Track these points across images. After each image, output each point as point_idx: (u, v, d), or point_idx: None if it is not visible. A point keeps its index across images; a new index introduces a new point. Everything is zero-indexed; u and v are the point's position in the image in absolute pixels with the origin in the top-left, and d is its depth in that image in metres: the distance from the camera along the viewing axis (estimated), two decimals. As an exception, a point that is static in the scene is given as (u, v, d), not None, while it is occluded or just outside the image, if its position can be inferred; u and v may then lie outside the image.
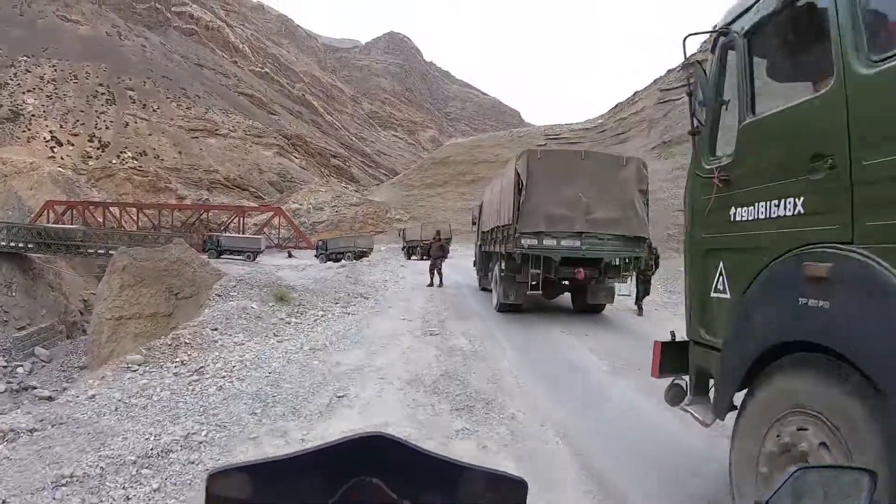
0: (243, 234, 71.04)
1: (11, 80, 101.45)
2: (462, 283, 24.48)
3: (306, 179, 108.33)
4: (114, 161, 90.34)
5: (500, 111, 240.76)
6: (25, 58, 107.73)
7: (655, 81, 67.00)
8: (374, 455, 0.87)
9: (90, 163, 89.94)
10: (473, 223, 24.88)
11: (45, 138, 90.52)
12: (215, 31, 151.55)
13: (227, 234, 64.16)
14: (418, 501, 0.88)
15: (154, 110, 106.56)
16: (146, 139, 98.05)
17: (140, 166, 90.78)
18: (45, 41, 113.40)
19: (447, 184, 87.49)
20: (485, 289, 21.09)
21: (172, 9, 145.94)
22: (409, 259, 50.46)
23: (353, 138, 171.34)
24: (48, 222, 69.35)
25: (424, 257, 48.74)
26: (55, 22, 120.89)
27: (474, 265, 24.55)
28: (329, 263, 47.32)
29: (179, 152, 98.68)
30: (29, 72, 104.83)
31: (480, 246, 22.42)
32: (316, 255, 57.48)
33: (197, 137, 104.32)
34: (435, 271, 23.33)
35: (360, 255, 53.62)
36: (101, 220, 74.65)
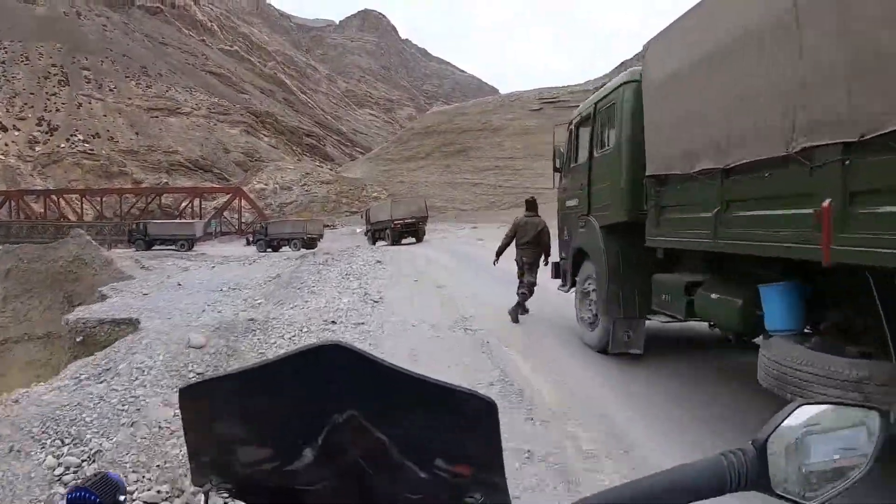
0: (201, 219, 62.29)
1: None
2: (540, 315, 11.11)
3: (276, 159, 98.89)
4: (62, 145, 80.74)
5: (479, 88, 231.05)
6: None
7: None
8: (335, 367, 0.84)
9: (37, 148, 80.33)
10: (557, 169, 10.70)
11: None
12: (181, 9, 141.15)
13: (155, 220, 55.28)
14: (384, 418, 0.86)
15: (110, 90, 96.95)
16: (100, 121, 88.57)
17: (91, 150, 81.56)
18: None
19: (429, 156, 77.97)
20: (631, 354, 7.94)
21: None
22: (375, 244, 41.37)
23: (329, 117, 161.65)
24: None
25: (396, 243, 40.02)
26: (10, 2, 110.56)
27: (559, 275, 10.62)
28: (273, 255, 38.79)
29: (136, 133, 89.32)
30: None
31: (633, 228, 7.49)
32: (252, 242, 48.84)
33: (156, 117, 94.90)
34: (525, 287, 10.90)
35: (311, 243, 44.99)
36: (43, 210, 65.51)
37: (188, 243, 47.94)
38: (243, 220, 63.51)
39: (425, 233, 41.90)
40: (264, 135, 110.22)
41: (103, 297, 18.81)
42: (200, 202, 66.52)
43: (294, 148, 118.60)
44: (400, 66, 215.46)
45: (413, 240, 40.74)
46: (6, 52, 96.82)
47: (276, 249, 45.06)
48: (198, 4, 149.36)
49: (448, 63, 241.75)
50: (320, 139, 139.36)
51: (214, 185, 76.10)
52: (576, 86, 75.77)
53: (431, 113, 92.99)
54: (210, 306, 14.36)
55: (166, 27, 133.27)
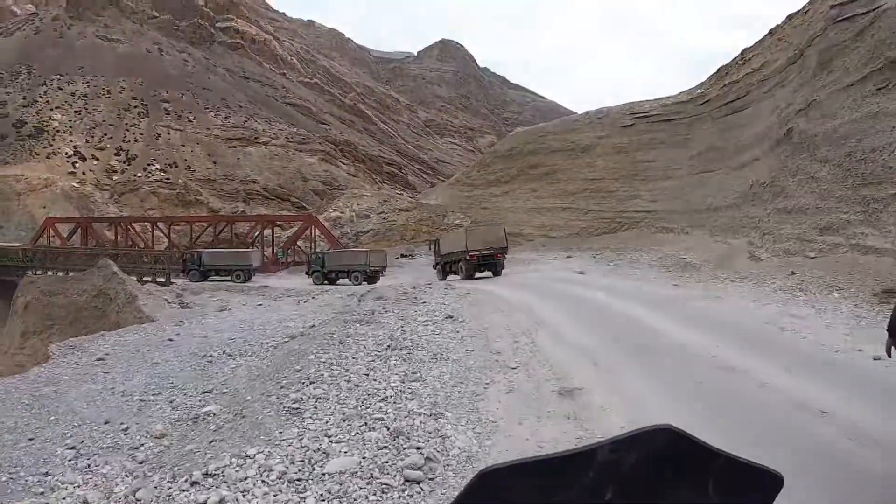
0: (273, 248, 57.20)
1: (41, 98, 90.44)
2: None
3: (355, 187, 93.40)
4: (139, 174, 77.44)
5: (559, 114, 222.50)
6: (59, 76, 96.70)
7: (772, 32, 49.71)
8: (661, 457, 0.80)
9: (114, 177, 77.31)
10: None
11: (67, 153, 78.98)
12: (262, 44, 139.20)
13: (211, 249, 50.25)
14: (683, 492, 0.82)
15: (189, 121, 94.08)
16: (178, 151, 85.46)
17: (167, 179, 78.17)
18: (82, 60, 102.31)
19: (514, 179, 70.27)
20: None
21: (217, 25, 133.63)
22: (445, 278, 35.22)
23: (410, 146, 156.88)
24: (48, 241, 57.80)
25: (471, 278, 33.18)
26: (94, 42, 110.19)
27: None
28: (330, 290, 33.24)
29: (214, 163, 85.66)
30: (61, 89, 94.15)
31: None
32: (307, 273, 43.19)
33: (235, 147, 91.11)
34: None
35: (373, 277, 39.03)
36: (114, 238, 61.64)
37: (244, 274, 42.77)
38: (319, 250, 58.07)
39: (504, 266, 34.91)
40: (343, 163, 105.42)
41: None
42: (273, 231, 61.37)
43: (374, 176, 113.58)
44: (479, 95, 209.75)
45: (489, 273, 34.18)
46: (89, 87, 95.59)
47: (332, 282, 39.50)
48: (278, 40, 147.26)
49: (527, 90, 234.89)
50: (401, 168, 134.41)
51: (287, 213, 70.82)
52: (668, 97, 67.05)
53: (514, 134, 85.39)
54: (138, 410, 8.05)
55: (247, 62, 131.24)
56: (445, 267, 37.08)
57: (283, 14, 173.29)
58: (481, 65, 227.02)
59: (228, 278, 42.47)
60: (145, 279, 43.20)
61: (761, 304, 15.79)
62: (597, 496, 0.79)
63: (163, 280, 42.41)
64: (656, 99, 67.64)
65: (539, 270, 34.55)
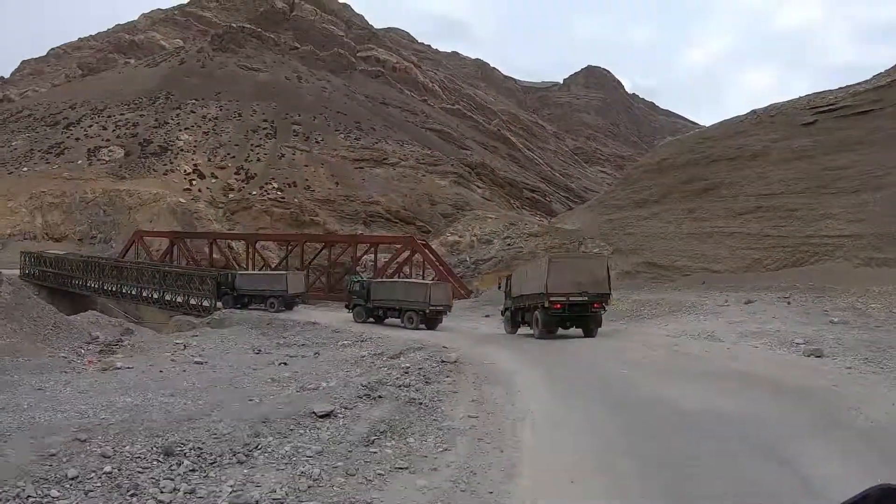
0: (379, 275, 46.54)
1: (172, 120, 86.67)
2: None
3: (481, 209, 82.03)
4: (254, 192, 70.51)
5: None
6: (194, 101, 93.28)
7: None
8: None
9: (230, 195, 70.78)
10: None
11: (185, 171, 73.55)
12: (403, 72, 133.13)
13: (245, 271, 41.28)
14: None
15: (317, 142, 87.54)
16: (300, 170, 79.03)
17: (282, 198, 70.27)
18: (220, 87, 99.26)
19: (666, 198, 54.24)
20: None
21: (358, 54, 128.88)
22: (515, 331, 25.14)
23: (557, 174, 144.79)
24: (137, 255, 51.38)
25: (550, 333, 21.77)
26: (235, 71, 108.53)
27: None
28: (371, 334, 22.62)
29: (336, 183, 78.09)
30: (193, 112, 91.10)
31: None
32: (347, 307, 32.43)
33: (361, 167, 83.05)
34: None
35: (432, 318, 28.63)
36: (210, 254, 53.99)
37: (279, 302, 33.52)
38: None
39: (601, 322, 22.27)
40: (478, 186, 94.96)
41: None
42: (375, 254, 50.96)
43: (512, 201, 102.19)
44: (628, 122, 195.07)
45: (580, 331, 22.36)
46: (221, 110, 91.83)
47: (379, 320, 29.30)
48: (420, 69, 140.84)
49: (677, 115, 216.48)
50: (546, 195, 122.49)
51: (383, 234, 60.15)
52: (859, 84, 50.54)
53: (666, 143, 70.69)
54: None
55: (388, 89, 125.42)
56: (516, 315, 25.28)
57: (428, 46, 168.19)
58: (629, 91, 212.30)
59: (262, 307, 34.07)
60: (192, 302, 37.42)
61: None
62: None
63: (207, 305, 35.70)
64: (842, 88, 51.33)
65: (705, 331, 20.41)
